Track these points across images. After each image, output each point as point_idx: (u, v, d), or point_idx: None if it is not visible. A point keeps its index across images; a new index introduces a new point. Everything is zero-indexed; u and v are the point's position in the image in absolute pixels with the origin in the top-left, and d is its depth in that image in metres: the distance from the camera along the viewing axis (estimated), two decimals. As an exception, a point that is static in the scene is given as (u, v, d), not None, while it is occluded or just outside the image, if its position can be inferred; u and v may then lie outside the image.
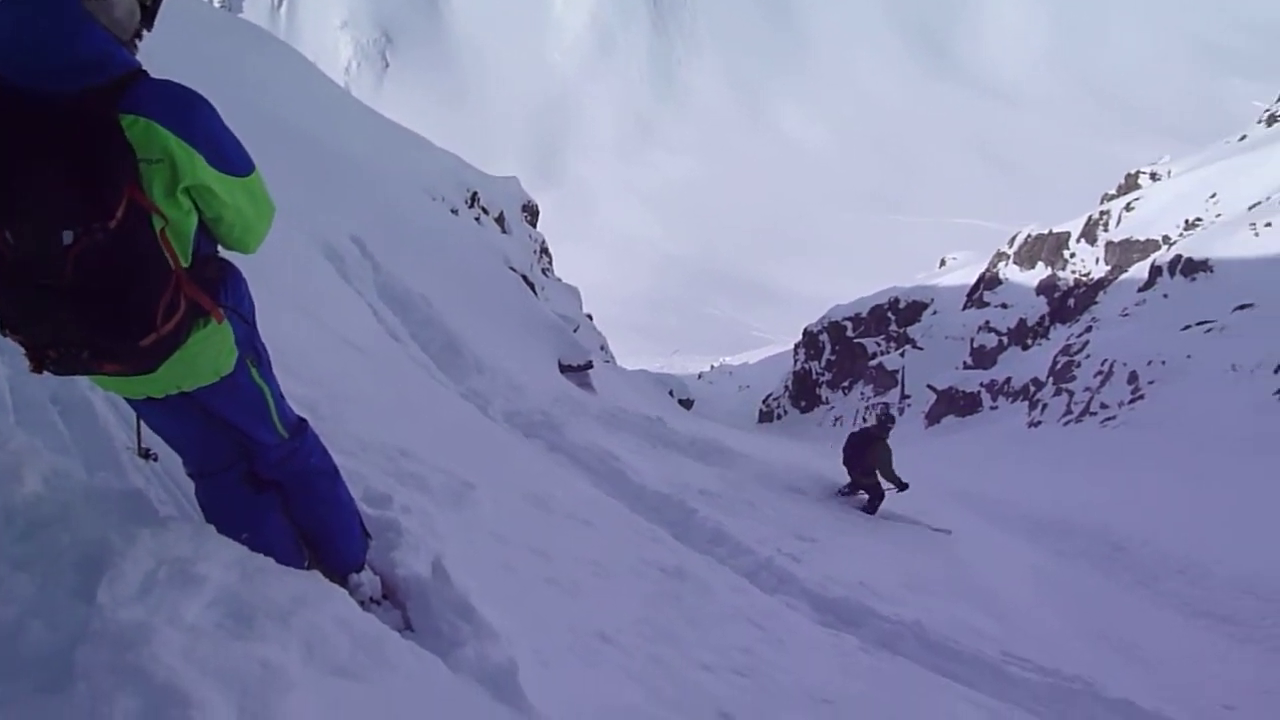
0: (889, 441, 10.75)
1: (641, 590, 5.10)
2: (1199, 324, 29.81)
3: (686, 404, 33.31)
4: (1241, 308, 29.21)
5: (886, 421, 11.18)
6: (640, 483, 8.65)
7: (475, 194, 28.06)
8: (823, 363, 68.69)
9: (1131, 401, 27.61)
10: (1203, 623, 8.78)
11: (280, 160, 10.55)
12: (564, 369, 16.56)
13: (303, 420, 2.97)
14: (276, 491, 2.96)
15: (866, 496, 10.84)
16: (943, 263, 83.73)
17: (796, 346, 73.66)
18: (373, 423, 5.74)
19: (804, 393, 68.98)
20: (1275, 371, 23.61)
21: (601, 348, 31.73)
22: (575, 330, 22.46)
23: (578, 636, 3.96)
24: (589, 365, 17.43)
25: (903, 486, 10.61)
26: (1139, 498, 15.50)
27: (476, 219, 27.25)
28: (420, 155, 27.63)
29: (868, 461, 10.69)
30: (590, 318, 35.29)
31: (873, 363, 60.79)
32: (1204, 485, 15.52)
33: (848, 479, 11.08)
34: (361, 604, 3.11)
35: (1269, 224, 37.09)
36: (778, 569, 6.98)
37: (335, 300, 9.82)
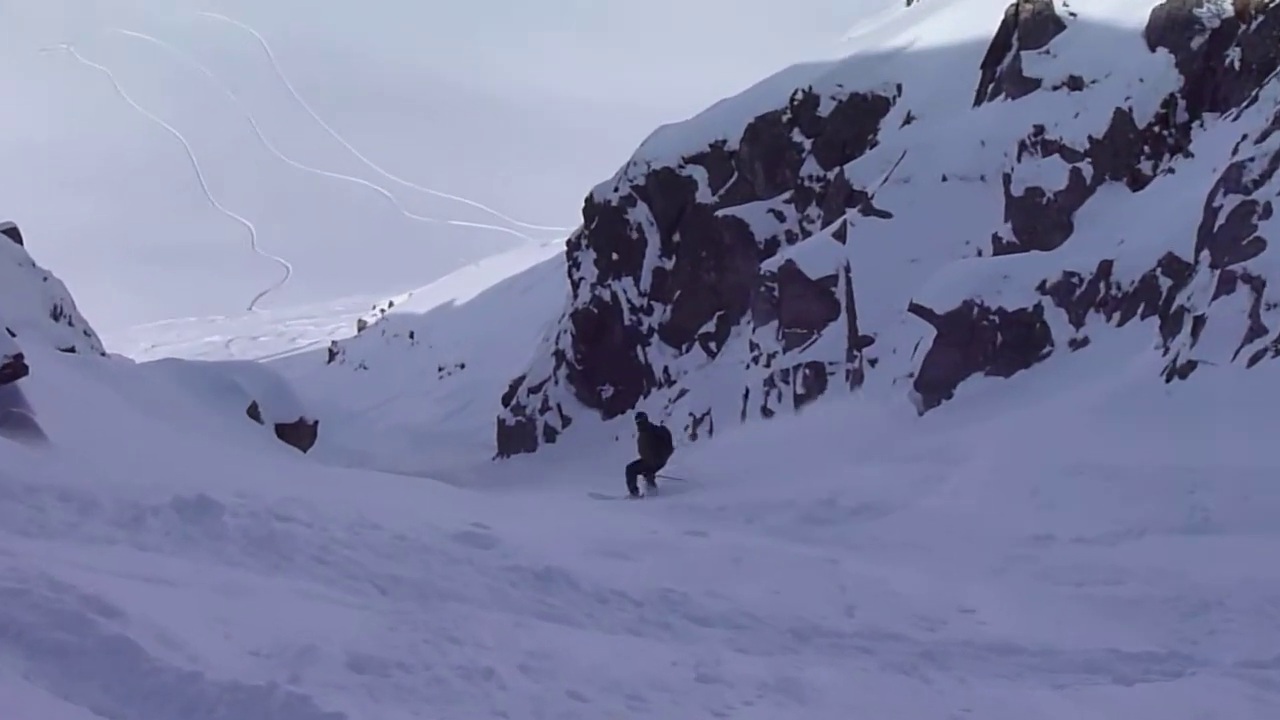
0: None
1: None
2: None
3: (301, 431, 26.66)
4: None
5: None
6: (187, 668, 5.92)
7: None
8: (642, 279, 41.84)
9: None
10: None
11: None
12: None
13: None
14: None
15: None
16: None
17: (572, 245, 46.06)
18: None
19: (601, 359, 42.63)
20: None
21: (59, 314, 26.11)
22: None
23: None
24: (19, 370, 14.39)
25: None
26: None
27: None
28: None
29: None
30: (35, 264, 28.28)
31: (768, 263, 34.18)
32: None
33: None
34: None
35: None
36: None
37: None
